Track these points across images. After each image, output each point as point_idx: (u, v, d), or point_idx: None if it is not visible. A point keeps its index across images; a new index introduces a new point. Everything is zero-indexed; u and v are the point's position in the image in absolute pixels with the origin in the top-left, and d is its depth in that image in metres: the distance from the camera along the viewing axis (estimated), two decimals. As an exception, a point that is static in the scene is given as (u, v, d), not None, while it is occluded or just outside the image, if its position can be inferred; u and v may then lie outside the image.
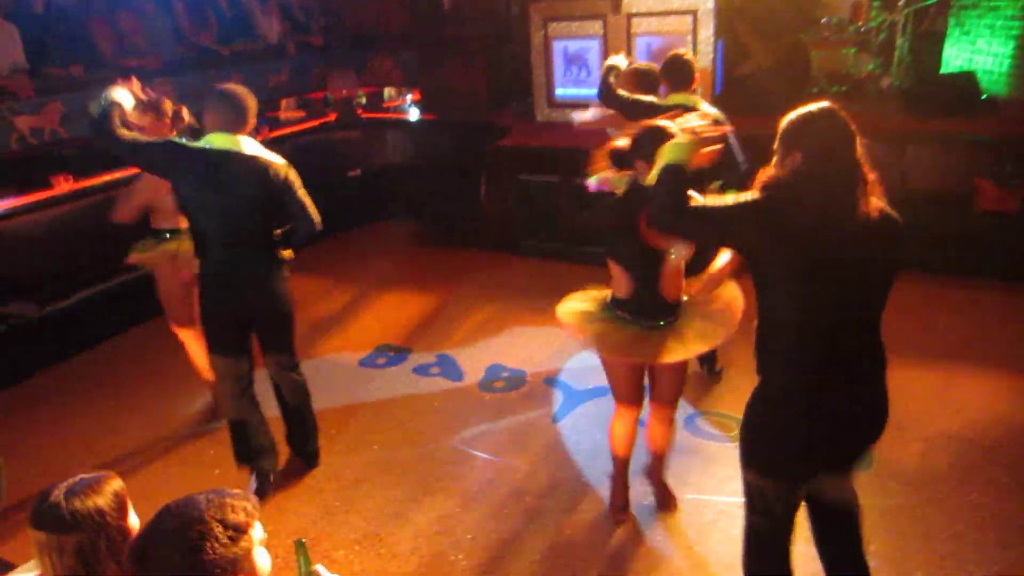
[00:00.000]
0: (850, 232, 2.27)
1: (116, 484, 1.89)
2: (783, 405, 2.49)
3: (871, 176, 2.31)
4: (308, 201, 3.77)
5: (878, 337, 2.52)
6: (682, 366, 3.41)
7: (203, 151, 3.57)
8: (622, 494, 3.71)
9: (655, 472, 3.75)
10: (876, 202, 2.32)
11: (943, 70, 7.76)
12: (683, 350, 3.20)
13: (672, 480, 3.91)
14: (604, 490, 3.88)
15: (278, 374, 4.03)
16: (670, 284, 3.23)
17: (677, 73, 4.42)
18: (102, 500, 1.83)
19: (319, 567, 1.95)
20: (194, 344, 4.48)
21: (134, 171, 6.14)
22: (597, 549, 3.52)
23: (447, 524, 3.72)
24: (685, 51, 4.65)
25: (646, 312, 3.22)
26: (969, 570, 3.26)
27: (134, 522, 1.91)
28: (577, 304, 3.38)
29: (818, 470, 2.55)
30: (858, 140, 2.30)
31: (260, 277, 3.77)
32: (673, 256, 3.10)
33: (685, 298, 3.33)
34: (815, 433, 2.46)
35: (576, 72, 7.62)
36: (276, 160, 3.72)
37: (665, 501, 3.74)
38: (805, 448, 2.49)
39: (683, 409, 4.52)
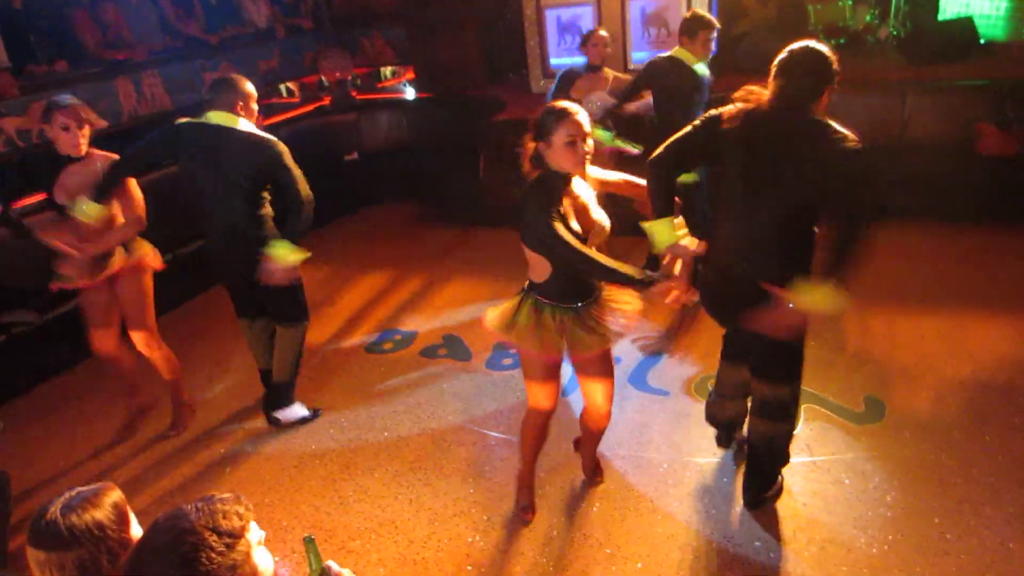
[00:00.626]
0: (779, 139, 2.83)
1: (115, 495, 1.85)
2: (707, 273, 3.21)
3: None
4: (299, 175, 3.94)
5: (793, 238, 2.96)
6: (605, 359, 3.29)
7: (201, 125, 3.85)
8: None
9: (587, 446, 3.72)
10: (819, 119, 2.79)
11: (940, 17, 7.68)
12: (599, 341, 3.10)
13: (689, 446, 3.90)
14: (618, 461, 3.88)
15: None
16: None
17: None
18: (100, 513, 1.78)
19: (330, 563, 1.91)
20: (125, 358, 4.36)
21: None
22: (615, 519, 3.50)
23: (462, 506, 3.70)
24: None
25: (568, 294, 3.06)
26: (986, 513, 3.28)
27: (137, 533, 1.87)
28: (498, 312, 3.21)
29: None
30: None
31: (254, 246, 3.95)
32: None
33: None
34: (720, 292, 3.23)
35: (570, 41, 7.50)
36: (270, 137, 3.93)
37: (596, 471, 3.79)
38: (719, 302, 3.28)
39: (693, 375, 4.50)
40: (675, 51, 5.02)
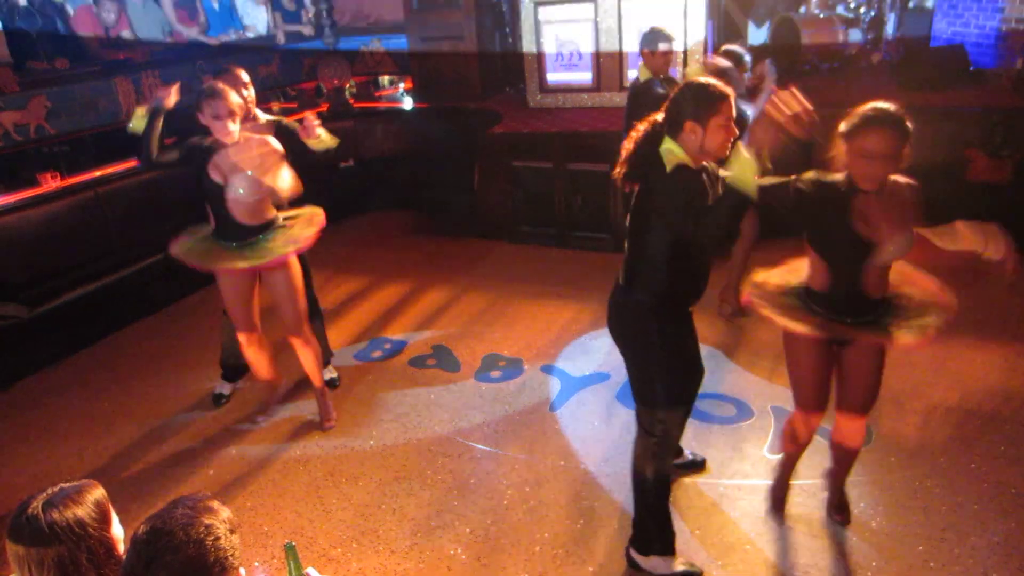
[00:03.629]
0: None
1: (97, 493, 1.84)
2: None
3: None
4: None
5: (641, 264, 2.97)
6: (876, 367, 3.22)
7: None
8: (781, 490, 3.58)
9: (834, 477, 3.47)
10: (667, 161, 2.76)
11: (932, 43, 7.75)
12: (882, 335, 2.99)
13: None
14: (604, 478, 3.87)
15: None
16: (875, 279, 2.96)
17: None
18: (82, 511, 1.77)
19: (310, 570, 1.91)
20: (255, 350, 4.37)
21: (125, 166, 6.16)
22: (599, 537, 3.49)
23: (446, 518, 3.68)
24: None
25: (841, 310, 2.97)
26: (971, 541, 3.28)
27: (117, 532, 1.86)
28: (774, 280, 3.17)
29: None
30: None
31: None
32: (890, 251, 2.89)
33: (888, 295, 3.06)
34: None
35: (568, 57, 7.54)
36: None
37: (839, 509, 3.49)
38: None
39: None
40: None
